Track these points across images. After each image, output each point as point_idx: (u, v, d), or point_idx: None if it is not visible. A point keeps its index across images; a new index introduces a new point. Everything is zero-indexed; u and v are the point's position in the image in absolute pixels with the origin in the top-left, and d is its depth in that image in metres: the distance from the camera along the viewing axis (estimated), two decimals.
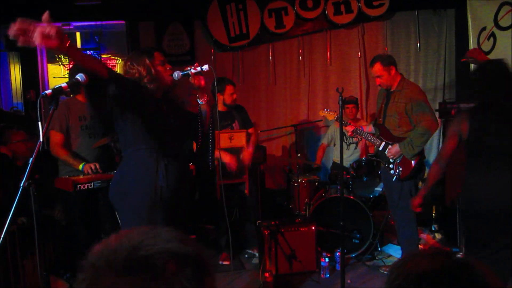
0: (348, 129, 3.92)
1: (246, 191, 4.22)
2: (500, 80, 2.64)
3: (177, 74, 2.53)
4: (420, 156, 3.67)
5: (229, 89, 4.16)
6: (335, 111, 4.01)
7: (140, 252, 0.68)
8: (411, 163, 3.66)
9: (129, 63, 2.48)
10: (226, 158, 4.02)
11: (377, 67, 3.67)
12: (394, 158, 3.71)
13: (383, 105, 3.83)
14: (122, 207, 2.55)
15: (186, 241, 0.73)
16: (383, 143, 3.78)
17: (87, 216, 3.42)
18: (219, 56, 5.90)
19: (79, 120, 3.45)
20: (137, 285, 0.64)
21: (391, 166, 3.75)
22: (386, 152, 3.75)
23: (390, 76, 3.66)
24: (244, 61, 5.94)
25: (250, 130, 4.35)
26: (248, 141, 4.23)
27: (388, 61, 3.68)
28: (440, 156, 2.95)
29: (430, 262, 0.85)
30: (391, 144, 3.72)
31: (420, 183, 3.87)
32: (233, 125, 4.28)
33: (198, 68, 2.51)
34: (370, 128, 4.01)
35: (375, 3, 5.69)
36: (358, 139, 5.07)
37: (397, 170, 3.70)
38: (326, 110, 4.27)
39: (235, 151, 4.13)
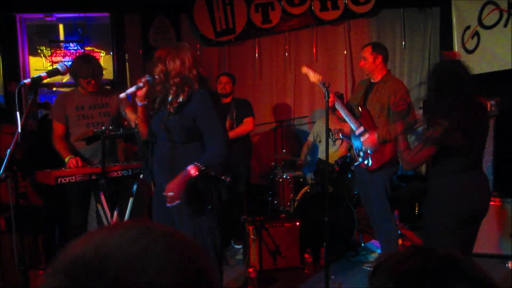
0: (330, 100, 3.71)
1: None
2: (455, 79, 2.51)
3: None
4: (395, 151, 3.51)
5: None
6: (320, 74, 3.78)
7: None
8: (384, 156, 3.56)
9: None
10: None
11: (367, 49, 3.67)
12: (370, 148, 3.59)
13: (362, 95, 3.74)
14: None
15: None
16: (362, 128, 3.64)
17: (83, 205, 3.42)
18: (205, 50, 5.85)
19: (75, 109, 3.40)
20: None
21: (361, 154, 3.67)
22: (361, 139, 3.63)
23: (373, 64, 3.62)
24: (230, 56, 5.91)
25: (245, 119, 4.57)
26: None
27: (379, 50, 3.65)
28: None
29: (419, 260, 0.82)
30: (368, 132, 3.59)
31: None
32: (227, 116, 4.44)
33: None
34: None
35: (361, 0, 5.71)
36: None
37: (366, 160, 3.61)
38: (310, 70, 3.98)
39: None
